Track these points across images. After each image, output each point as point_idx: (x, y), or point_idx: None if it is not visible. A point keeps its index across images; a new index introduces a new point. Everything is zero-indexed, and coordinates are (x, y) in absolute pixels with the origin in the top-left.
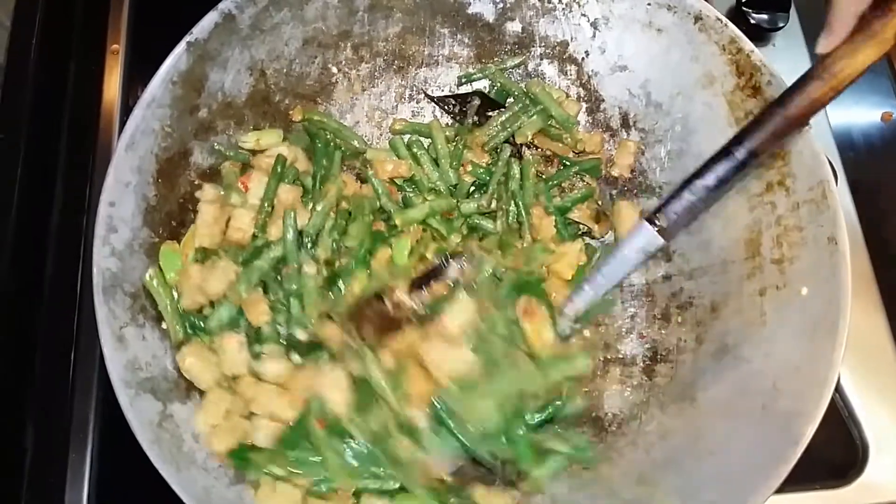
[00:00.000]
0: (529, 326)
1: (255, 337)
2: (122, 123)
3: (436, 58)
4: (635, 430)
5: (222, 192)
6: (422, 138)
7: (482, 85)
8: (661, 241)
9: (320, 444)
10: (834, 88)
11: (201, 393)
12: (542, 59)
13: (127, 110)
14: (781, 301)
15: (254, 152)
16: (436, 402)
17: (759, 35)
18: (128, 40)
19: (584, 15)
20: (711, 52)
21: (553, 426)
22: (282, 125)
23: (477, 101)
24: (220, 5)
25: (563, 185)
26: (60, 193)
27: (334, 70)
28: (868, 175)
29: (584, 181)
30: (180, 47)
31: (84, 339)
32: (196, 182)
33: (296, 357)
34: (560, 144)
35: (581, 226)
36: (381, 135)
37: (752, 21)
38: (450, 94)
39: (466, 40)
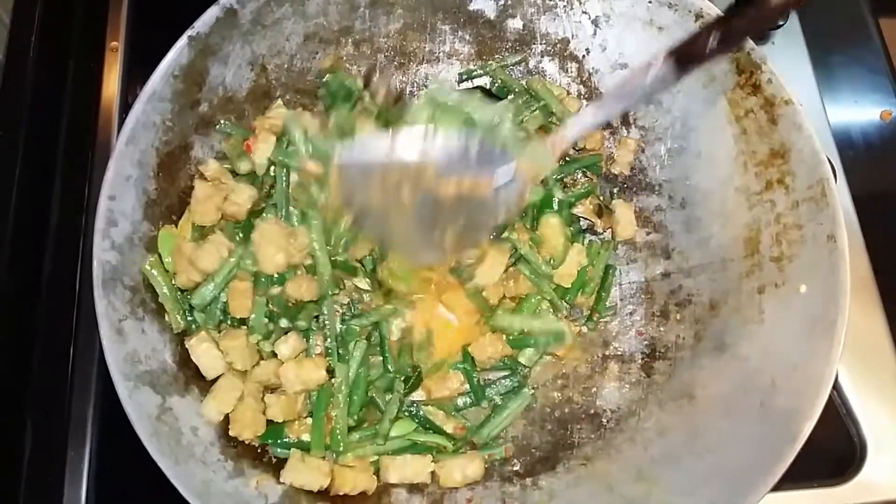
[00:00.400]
0: None
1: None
2: (122, 121)
3: (437, 54)
4: (633, 426)
5: (226, 167)
6: None
7: (483, 82)
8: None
9: None
10: None
11: (200, 386)
12: (542, 57)
13: (126, 108)
14: (780, 299)
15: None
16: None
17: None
18: (127, 38)
19: (585, 12)
20: None
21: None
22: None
23: None
24: (222, 0)
25: (564, 181)
26: (59, 191)
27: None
28: (867, 173)
29: (586, 176)
30: (182, 41)
31: (83, 336)
32: (196, 176)
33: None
34: None
35: (584, 220)
36: None
37: None
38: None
39: (467, 37)
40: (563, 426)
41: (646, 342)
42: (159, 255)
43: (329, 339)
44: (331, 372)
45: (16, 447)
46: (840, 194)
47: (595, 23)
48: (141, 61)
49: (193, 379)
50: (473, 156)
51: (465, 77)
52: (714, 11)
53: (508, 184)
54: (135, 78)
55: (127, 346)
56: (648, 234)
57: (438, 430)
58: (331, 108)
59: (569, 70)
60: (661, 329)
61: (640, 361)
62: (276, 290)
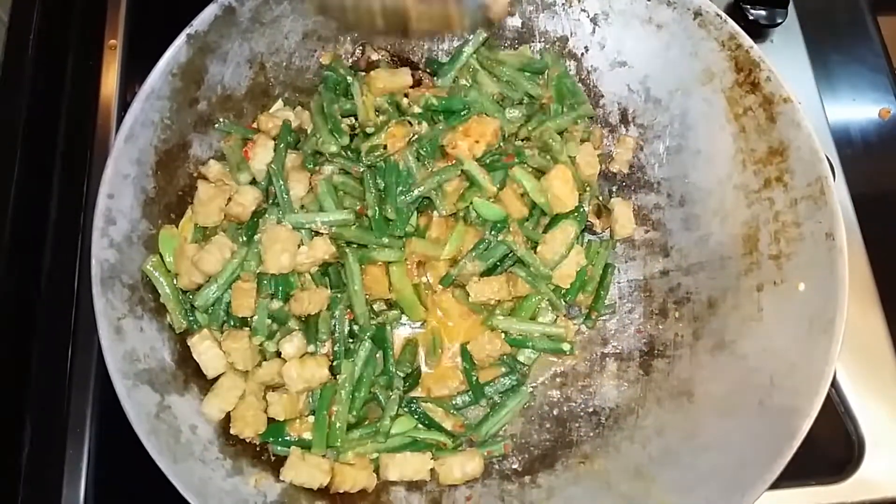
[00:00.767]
0: None
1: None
2: (120, 119)
3: (435, 52)
4: (632, 424)
5: (227, 170)
6: None
7: None
8: None
9: None
10: None
11: (199, 384)
12: (541, 55)
13: (125, 106)
14: (779, 297)
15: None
16: None
17: (758, 31)
18: (125, 36)
19: (583, 10)
20: (710, 48)
21: None
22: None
23: None
24: None
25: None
26: (58, 188)
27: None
28: (866, 171)
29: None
30: (180, 39)
31: (81, 335)
32: (195, 174)
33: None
34: None
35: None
36: None
37: (751, 17)
38: None
39: (466, 35)
40: (561, 424)
41: (644, 340)
42: (161, 256)
43: (338, 344)
44: (332, 370)
45: (15, 445)
46: (838, 192)
47: (594, 21)
48: (139, 59)
49: (192, 377)
50: None
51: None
52: (713, 10)
53: None
54: (133, 76)
55: (125, 344)
56: (647, 232)
57: (438, 427)
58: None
59: (567, 68)
60: (660, 327)
61: (638, 359)
62: (276, 304)
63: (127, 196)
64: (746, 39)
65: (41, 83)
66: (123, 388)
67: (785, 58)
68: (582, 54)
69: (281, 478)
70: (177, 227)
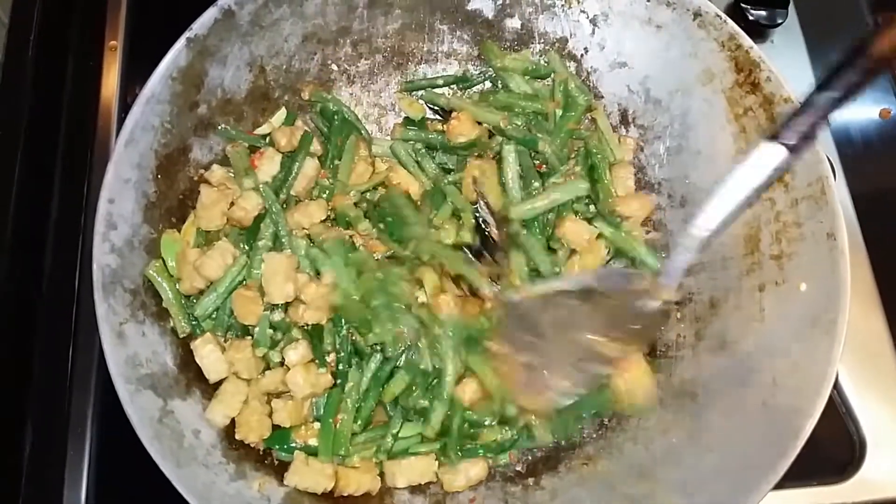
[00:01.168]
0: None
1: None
2: (121, 121)
3: (435, 54)
4: (635, 425)
5: (231, 174)
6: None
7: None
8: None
9: None
10: None
11: (202, 389)
12: (541, 56)
13: (125, 107)
14: (780, 297)
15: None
16: None
17: (758, 31)
18: (126, 37)
19: (583, 11)
20: (710, 48)
21: None
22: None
23: None
24: (220, 1)
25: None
26: (58, 191)
27: (333, 66)
28: (866, 171)
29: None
30: (180, 43)
31: (82, 336)
32: (195, 178)
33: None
34: None
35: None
36: (379, 130)
37: (751, 17)
38: None
39: (466, 37)
40: None
41: None
42: (163, 260)
43: (342, 354)
44: (337, 376)
45: (16, 445)
46: (839, 192)
47: (593, 22)
48: (140, 60)
49: (195, 382)
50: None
51: (464, 85)
52: (712, 10)
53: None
54: (134, 77)
55: (128, 349)
56: (648, 232)
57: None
58: (329, 137)
59: (567, 69)
60: (662, 328)
61: None
62: (277, 316)
63: (128, 201)
64: (746, 40)
65: (41, 84)
66: (126, 393)
67: (785, 58)
68: (581, 55)
69: (285, 482)
70: (178, 231)
